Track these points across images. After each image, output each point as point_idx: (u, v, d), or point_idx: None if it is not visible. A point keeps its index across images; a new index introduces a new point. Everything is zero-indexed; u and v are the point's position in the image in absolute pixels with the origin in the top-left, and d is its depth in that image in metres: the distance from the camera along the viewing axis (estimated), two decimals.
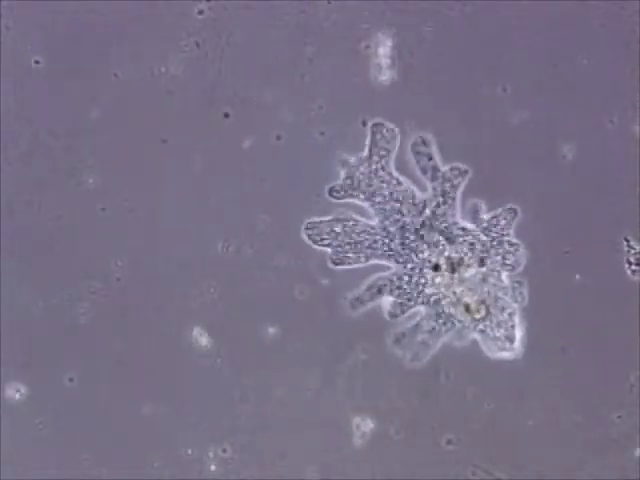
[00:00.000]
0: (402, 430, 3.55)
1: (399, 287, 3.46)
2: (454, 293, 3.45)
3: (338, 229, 3.45)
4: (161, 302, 3.52)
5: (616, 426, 3.51)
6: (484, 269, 3.44)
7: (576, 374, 3.51)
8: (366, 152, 3.44)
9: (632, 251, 3.44)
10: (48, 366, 3.54)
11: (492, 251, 3.45)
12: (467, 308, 3.45)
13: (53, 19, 3.45)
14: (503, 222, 3.44)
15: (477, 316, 3.44)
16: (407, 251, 3.45)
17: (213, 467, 3.58)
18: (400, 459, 3.54)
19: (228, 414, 3.55)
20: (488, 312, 3.45)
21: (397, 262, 3.45)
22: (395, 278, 3.47)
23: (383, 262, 3.46)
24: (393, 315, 3.46)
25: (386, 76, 3.42)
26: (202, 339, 3.54)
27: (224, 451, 3.56)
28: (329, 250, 3.45)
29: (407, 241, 3.45)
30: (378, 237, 3.46)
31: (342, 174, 3.45)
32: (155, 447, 3.56)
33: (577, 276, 3.48)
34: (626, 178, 3.45)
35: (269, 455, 3.56)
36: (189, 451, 3.56)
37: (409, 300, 3.46)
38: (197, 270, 3.53)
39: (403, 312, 3.46)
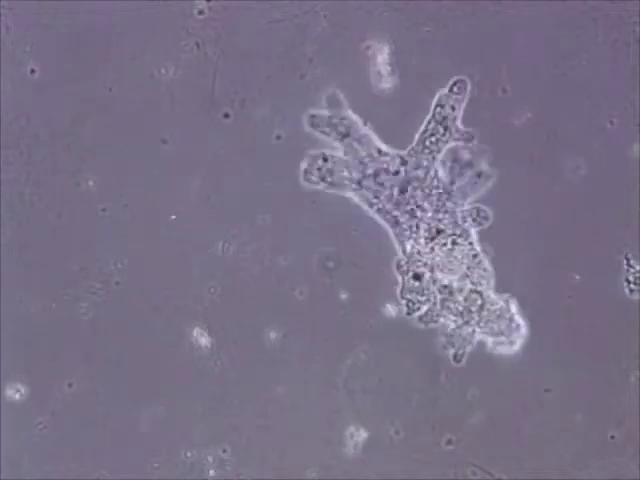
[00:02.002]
0: (402, 430, 3.55)
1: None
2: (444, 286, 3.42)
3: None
4: (161, 302, 3.52)
5: (616, 427, 3.51)
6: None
7: (576, 375, 3.51)
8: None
9: (632, 270, 3.41)
10: (48, 366, 3.54)
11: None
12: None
13: (53, 18, 3.44)
14: None
15: (473, 308, 3.41)
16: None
17: (212, 468, 3.58)
18: (400, 459, 3.54)
19: (228, 414, 3.55)
20: (483, 299, 3.40)
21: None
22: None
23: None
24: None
25: (388, 83, 3.41)
26: (202, 339, 3.54)
27: (224, 451, 3.56)
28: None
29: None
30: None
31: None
32: (155, 448, 3.56)
33: (577, 276, 3.48)
34: (627, 184, 3.44)
35: (269, 456, 3.56)
36: (188, 453, 3.56)
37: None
38: (197, 270, 3.53)
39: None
